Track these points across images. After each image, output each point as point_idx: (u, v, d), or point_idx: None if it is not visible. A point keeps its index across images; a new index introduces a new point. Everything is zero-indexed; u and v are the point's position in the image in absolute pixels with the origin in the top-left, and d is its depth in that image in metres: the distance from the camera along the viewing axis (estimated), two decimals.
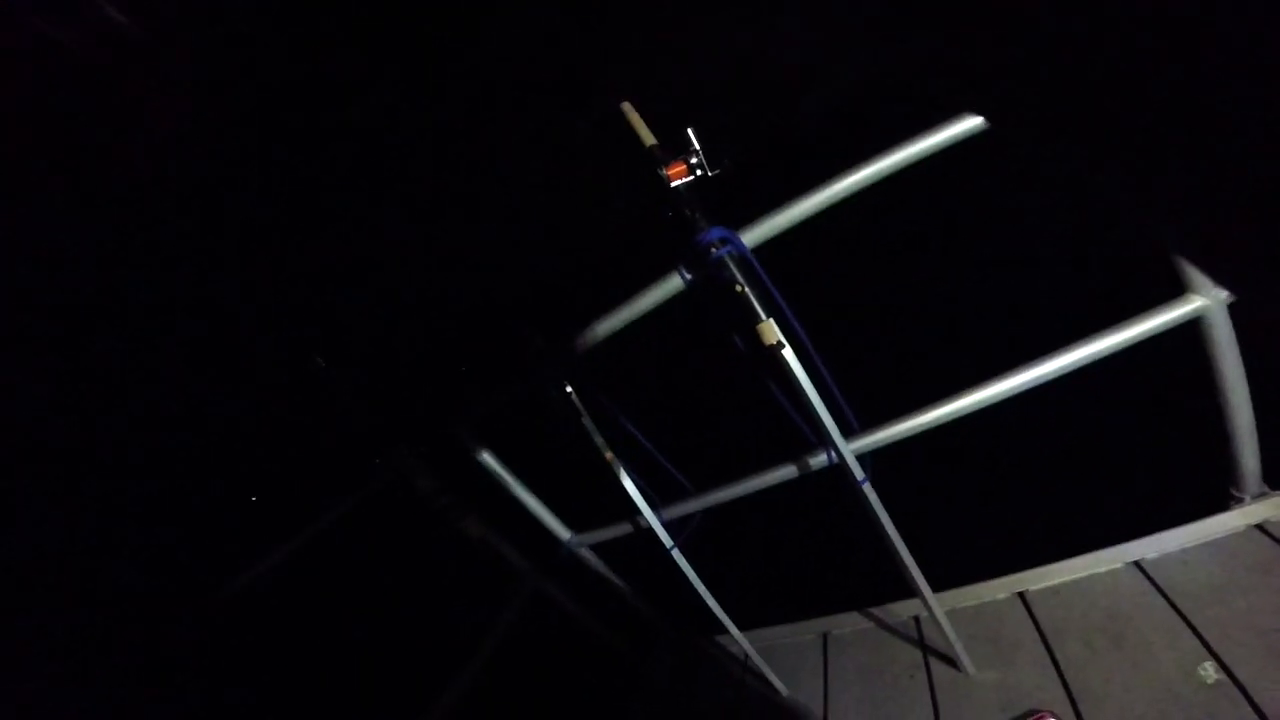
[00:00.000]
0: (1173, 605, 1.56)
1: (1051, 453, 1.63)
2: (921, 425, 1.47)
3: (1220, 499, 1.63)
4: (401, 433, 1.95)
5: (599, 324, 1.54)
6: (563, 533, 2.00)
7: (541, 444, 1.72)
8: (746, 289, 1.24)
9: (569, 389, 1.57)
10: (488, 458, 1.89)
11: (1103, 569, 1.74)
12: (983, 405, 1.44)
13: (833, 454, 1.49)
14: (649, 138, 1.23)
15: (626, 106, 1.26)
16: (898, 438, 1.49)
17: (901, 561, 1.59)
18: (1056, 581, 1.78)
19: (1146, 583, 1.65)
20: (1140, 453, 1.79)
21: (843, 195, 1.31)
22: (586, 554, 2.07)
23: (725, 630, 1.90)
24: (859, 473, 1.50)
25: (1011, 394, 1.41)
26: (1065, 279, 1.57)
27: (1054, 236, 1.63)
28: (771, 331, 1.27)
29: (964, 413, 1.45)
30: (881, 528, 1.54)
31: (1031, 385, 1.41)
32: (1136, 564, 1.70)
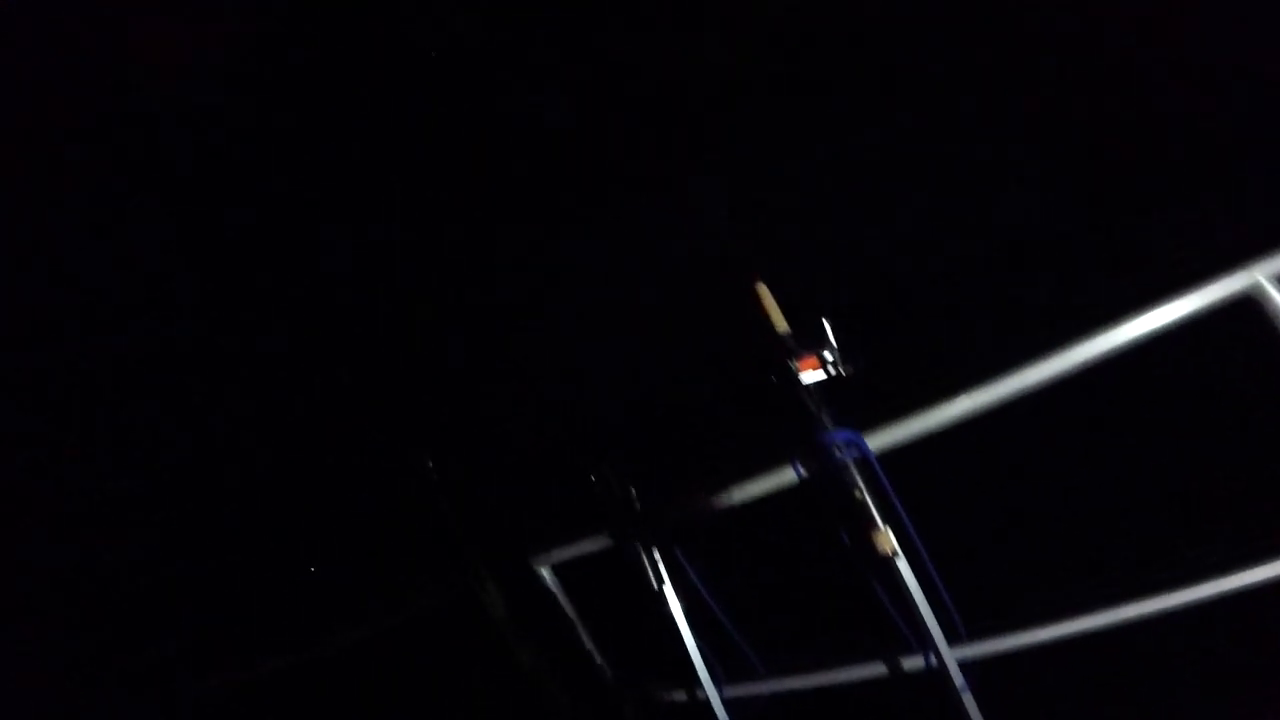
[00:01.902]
0: None
1: (1179, 659, 1.45)
2: (1037, 640, 1.35)
3: None
4: (481, 551, 1.90)
5: (701, 496, 1.47)
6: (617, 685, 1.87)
7: (614, 592, 1.64)
8: (866, 496, 1.18)
9: (655, 552, 1.49)
10: (558, 593, 1.81)
11: None
12: (1104, 628, 1.32)
13: (932, 658, 1.38)
14: (782, 323, 1.20)
15: (761, 287, 1.24)
16: (1009, 650, 1.37)
17: None
18: None
19: None
20: None
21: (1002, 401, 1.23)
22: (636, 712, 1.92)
23: None
24: (959, 680, 1.38)
25: (1141, 619, 1.30)
26: (1206, 497, 1.48)
27: (1188, 455, 1.55)
28: (887, 540, 1.19)
29: (1083, 632, 1.33)
30: None
31: (1162, 614, 1.29)
32: None
